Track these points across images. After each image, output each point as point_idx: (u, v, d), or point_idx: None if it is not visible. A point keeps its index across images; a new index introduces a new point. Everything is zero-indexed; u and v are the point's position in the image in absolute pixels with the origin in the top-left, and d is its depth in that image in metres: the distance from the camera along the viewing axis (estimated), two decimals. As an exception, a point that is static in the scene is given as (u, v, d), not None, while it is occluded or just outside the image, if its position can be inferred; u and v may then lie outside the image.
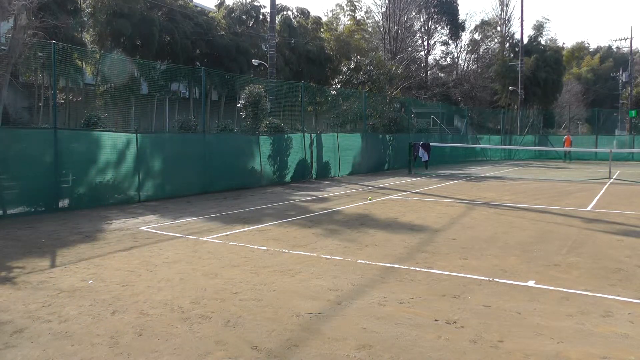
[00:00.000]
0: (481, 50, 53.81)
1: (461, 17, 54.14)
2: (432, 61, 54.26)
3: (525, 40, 44.20)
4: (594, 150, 30.91)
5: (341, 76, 29.52)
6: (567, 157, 31.49)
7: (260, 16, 39.75)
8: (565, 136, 32.78)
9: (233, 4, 39.14)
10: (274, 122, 17.49)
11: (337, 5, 47.48)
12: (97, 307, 4.66)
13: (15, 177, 10.18)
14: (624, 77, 48.67)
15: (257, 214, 10.39)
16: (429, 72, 51.74)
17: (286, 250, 6.96)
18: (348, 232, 8.27)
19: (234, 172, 15.17)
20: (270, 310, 4.56)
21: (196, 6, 38.59)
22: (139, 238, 7.87)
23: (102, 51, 29.26)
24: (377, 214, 10.28)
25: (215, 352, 3.67)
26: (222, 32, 36.29)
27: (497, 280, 5.47)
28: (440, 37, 53.91)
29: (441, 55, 59.06)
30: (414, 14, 48.74)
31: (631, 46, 48.61)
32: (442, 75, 53.22)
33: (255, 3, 39.71)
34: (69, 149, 11.02)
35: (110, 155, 11.77)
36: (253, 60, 30.78)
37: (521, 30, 65.99)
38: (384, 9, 46.21)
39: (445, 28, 53.02)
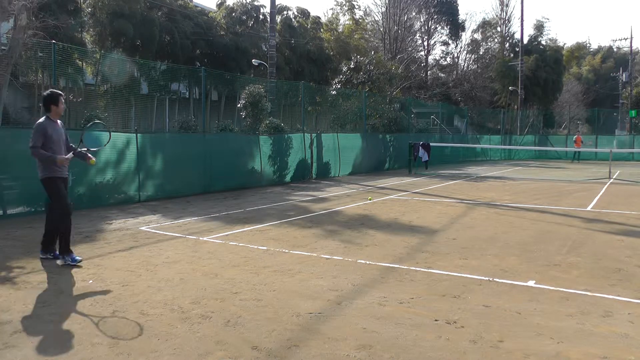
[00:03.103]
0: (481, 50, 53.88)
1: (461, 17, 54.30)
2: (432, 61, 54.37)
3: (525, 40, 44.23)
4: (594, 150, 30.91)
5: (341, 76, 29.51)
6: (577, 157, 31.34)
7: (260, 16, 39.78)
8: (576, 135, 32.65)
9: (233, 4, 39.17)
10: (274, 122, 17.47)
11: (336, 3, 47.53)
12: (97, 307, 4.66)
13: (15, 177, 10.16)
14: (624, 77, 48.70)
15: (257, 214, 10.39)
16: (429, 72, 51.78)
17: (286, 250, 6.96)
18: (348, 232, 8.27)
19: (234, 172, 15.16)
20: (270, 310, 4.56)
21: (196, 6, 38.61)
22: (139, 238, 7.87)
23: (102, 51, 29.27)
24: (377, 214, 10.28)
25: (215, 352, 3.67)
26: (222, 32, 36.32)
27: (497, 280, 5.47)
28: (440, 37, 54.04)
29: (441, 55, 59.17)
30: (414, 14, 48.79)
31: (631, 46, 48.68)
32: (442, 75, 53.28)
33: (256, 3, 39.74)
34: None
35: (110, 155, 11.77)
36: (253, 60, 30.78)
37: (521, 30, 66.02)
38: (383, 9, 46.28)
39: (445, 28, 53.12)
